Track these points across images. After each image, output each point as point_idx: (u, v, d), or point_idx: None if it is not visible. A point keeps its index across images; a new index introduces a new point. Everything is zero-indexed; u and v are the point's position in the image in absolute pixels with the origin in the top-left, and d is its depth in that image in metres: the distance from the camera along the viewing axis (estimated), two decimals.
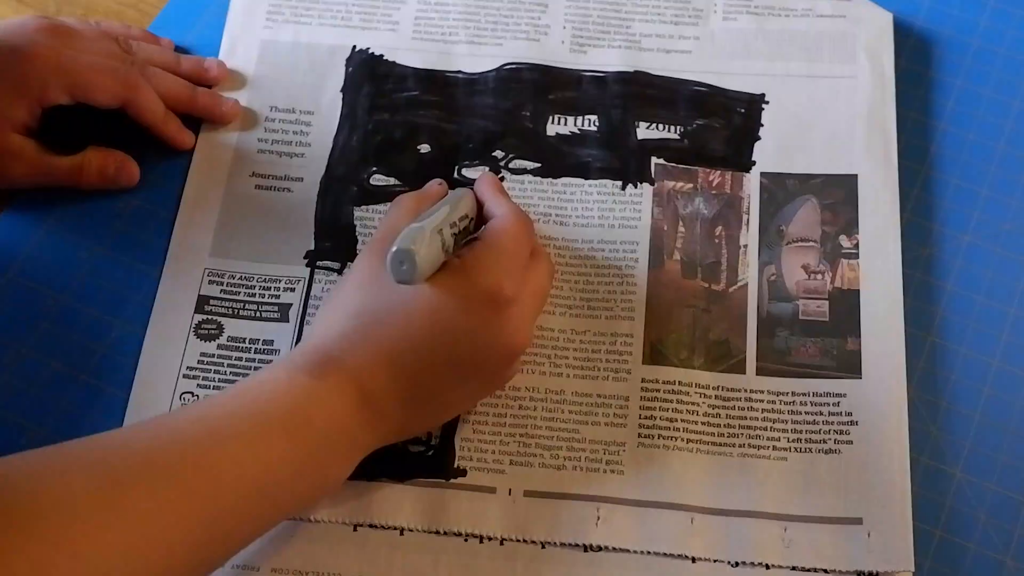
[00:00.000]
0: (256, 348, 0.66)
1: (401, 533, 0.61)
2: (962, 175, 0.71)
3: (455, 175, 0.71)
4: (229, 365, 0.65)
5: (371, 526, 0.61)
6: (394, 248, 0.56)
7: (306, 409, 0.56)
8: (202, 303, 0.67)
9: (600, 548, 0.61)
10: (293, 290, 0.67)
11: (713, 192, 0.70)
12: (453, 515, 0.61)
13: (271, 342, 0.66)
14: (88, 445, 0.53)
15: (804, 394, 0.64)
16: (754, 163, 0.71)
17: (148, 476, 0.52)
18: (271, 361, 0.65)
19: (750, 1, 0.77)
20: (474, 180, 0.70)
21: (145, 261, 0.68)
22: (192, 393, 0.64)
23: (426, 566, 0.60)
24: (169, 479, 0.52)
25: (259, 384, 0.57)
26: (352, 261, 0.67)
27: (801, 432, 0.63)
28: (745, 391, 0.64)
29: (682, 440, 0.63)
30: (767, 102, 0.73)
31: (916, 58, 0.75)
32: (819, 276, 0.68)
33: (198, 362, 0.65)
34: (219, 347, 0.66)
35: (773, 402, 0.64)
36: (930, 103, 0.73)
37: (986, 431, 0.64)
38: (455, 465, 0.63)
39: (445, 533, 0.61)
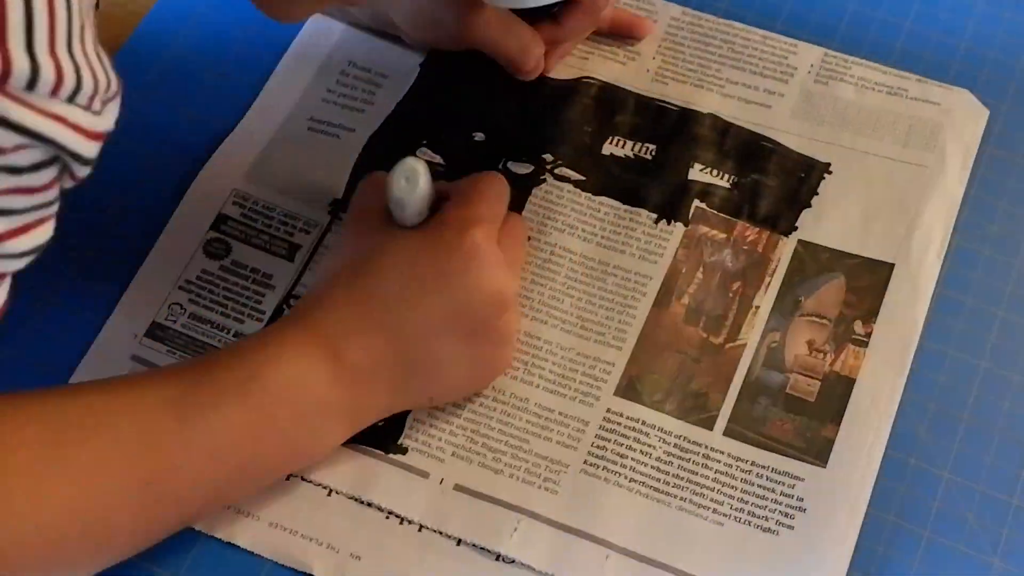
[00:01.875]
0: (255, 279, 0.67)
1: (329, 494, 0.62)
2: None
3: (500, 167, 0.71)
4: (224, 288, 0.67)
5: (302, 479, 0.62)
6: (399, 166, 0.58)
7: (263, 370, 0.56)
8: (219, 221, 0.69)
9: (511, 561, 0.60)
10: (308, 233, 0.69)
11: (744, 248, 0.69)
12: (382, 490, 0.62)
13: (270, 276, 0.67)
14: (45, 396, 0.54)
15: (764, 467, 0.62)
16: (796, 229, 0.69)
17: (93, 433, 0.53)
18: (263, 294, 0.67)
19: (847, 69, 0.74)
20: (518, 175, 0.70)
21: (184, 164, 0.71)
22: (181, 305, 0.66)
23: (342, 532, 0.61)
24: (114, 438, 0.53)
25: (233, 346, 0.59)
26: None
27: (747, 503, 0.61)
28: (706, 447, 0.63)
29: (625, 478, 0.62)
30: (830, 172, 0.71)
31: (992, 139, 0.72)
32: (821, 355, 0.65)
33: (197, 277, 0.67)
34: (221, 267, 0.68)
35: (730, 466, 0.62)
36: (994, 182, 0.70)
37: (974, 432, 0.63)
38: (399, 442, 0.63)
39: (369, 504, 0.61)
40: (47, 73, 0.42)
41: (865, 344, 0.65)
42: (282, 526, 0.61)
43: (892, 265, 0.67)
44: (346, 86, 0.74)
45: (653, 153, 0.72)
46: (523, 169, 0.71)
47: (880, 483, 0.61)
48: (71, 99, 0.44)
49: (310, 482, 0.62)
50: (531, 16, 0.70)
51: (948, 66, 0.74)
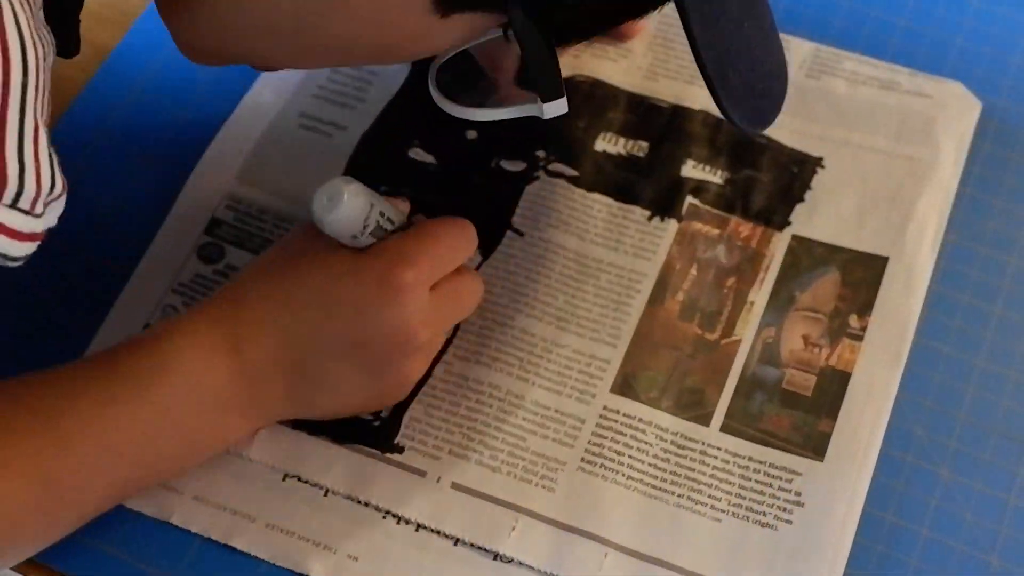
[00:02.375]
0: None
1: (326, 494, 0.62)
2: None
3: (493, 165, 0.71)
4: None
5: (299, 479, 0.62)
6: (327, 183, 0.57)
7: (165, 362, 0.57)
8: (213, 225, 0.69)
9: (510, 560, 0.60)
10: None
11: (738, 243, 0.69)
12: (378, 489, 0.61)
13: None
14: None
15: (761, 462, 0.62)
16: (789, 223, 0.69)
17: (2, 429, 0.53)
18: None
19: (839, 63, 0.74)
20: (511, 172, 0.70)
21: (176, 166, 0.70)
22: (175, 307, 0.66)
23: (339, 533, 0.60)
24: (14, 436, 0.53)
25: (142, 335, 0.58)
26: None
27: (744, 499, 0.61)
28: (703, 444, 0.63)
29: (623, 475, 0.62)
30: (823, 166, 0.71)
31: (994, 135, 0.72)
32: (816, 350, 0.65)
33: (191, 280, 0.67)
34: (214, 271, 0.67)
35: (727, 462, 0.62)
36: (993, 181, 0.70)
37: (971, 430, 0.63)
38: (395, 441, 0.63)
39: (366, 504, 0.61)
40: None
41: (860, 338, 0.65)
42: (279, 527, 0.60)
43: (886, 259, 0.67)
44: (338, 83, 0.74)
45: (645, 151, 0.72)
46: (516, 166, 0.71)
47: (878, 481, 0.62)
48: (13, 204, 0.42)
49: (306, 482, 0.62)
50: None
51: (942, 60, 0.74)
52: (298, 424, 0.63)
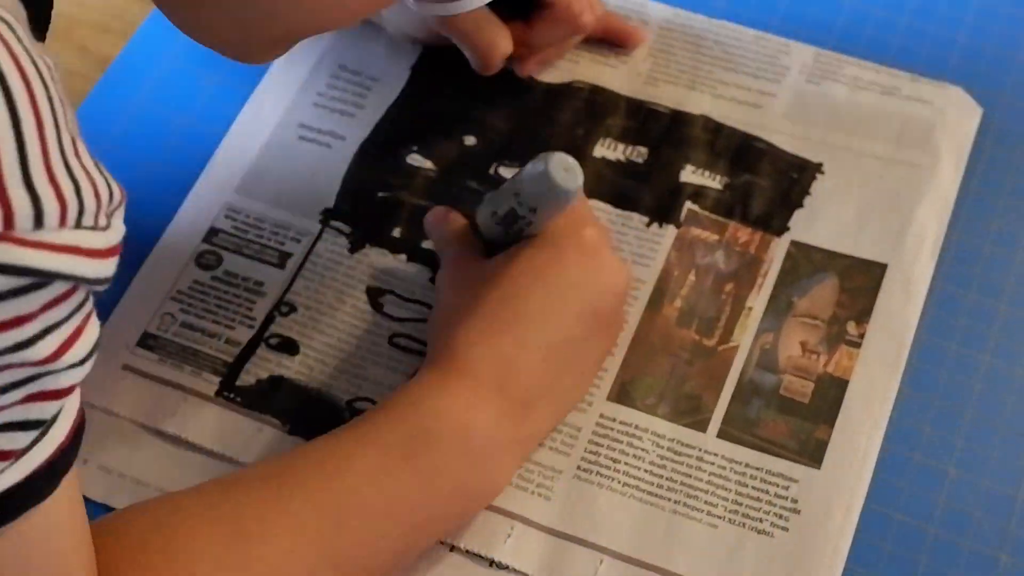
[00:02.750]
0: (246, 286, 0.67)
1: None
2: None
3: (491, 171, 0.71)
4: (216, 296, 0.67)
5: None
6: (550, 158, 0.57)
7: (427, 424, 0.56)
8: (211, 234, 0.69)
9: (505, 567, 0.60)
10: (299, 241, 0.69)
11: (737, 249, 0.68)
12: None
13: (261, 284, 0.67)
14: (212, 491, 0.54)
15: (758, 468, 0.62)
16: (788, 229, 0.69)
17: (273, 524, 0.52)
18: (254, 301, 0.66)
19: (840, 68, 0.74)
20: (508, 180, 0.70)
21: (178, 177, 0.71)
22: (172, 315, 0.66)
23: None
24: (294, 526, 0.52)
25: (386, 406, 0.58)
26: (365, 227, 0.69)
27: (741, 505, 0.61)
28: (699, 450, 0.62)
29: (619, 482, 0.62)
30: (822, 172, 0.71)
31: (993, 138, 0.72)
32: (814, 356, 0.65)
33: (189, 288, 0.67)
34: (212, 278, 0.68)
35: (724, 468, 0.62)
36: (996, 180, 0.70)
37: (978, 427, 0.63)
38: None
39: None
40: (50, 204, 0.37)
41: (858, 345, 0.65)
42: None
43: (885, 266, 0.67)
44: (336, 89, 0.74)
45: (644, 156, 0.72)
46: (513, 172, 0.71)
47: (885, 480, 0.61)
48: (78, 223, 0.39)
49: None
50: (501, 13, 0.69)
51: (943, 64, 0.74)
52: (294, 431, 0.63)
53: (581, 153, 0.71)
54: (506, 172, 0.71)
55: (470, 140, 0.72)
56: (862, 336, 0.65)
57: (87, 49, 0.75)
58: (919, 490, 0.61)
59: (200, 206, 0.70)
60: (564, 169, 0.57)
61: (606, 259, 0.61)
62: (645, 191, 0.70)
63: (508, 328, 0.59)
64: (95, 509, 0.61)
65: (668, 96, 0.74)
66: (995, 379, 0.64)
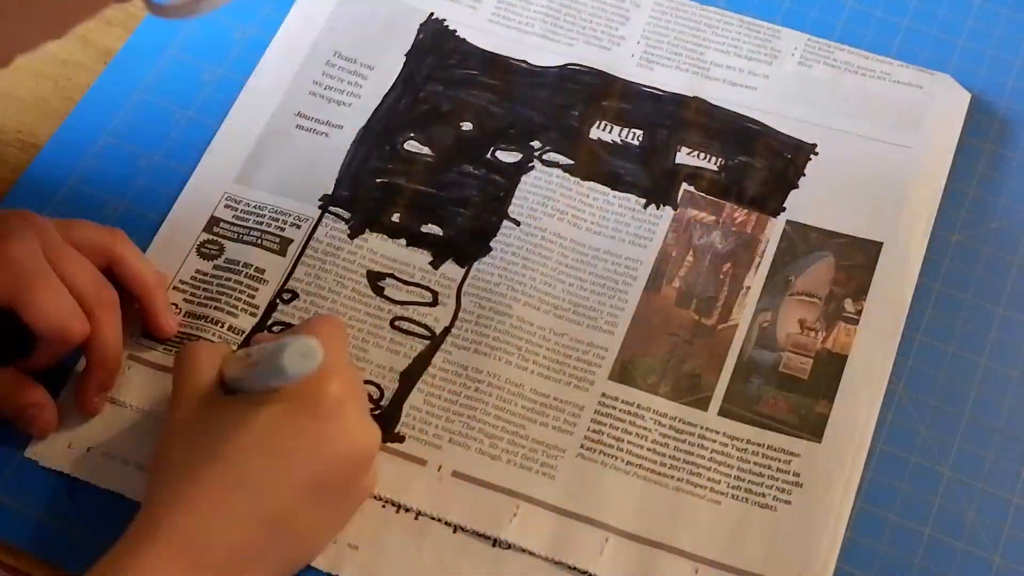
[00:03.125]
0: (247, 273, 0.67)
1: None
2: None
3: (489, 155, 0.72)
4: (218, 285, 0.67)
5: None
6: (294, 341, 0.53)
7: None
8: (212, 224, 0.69)
9: (509, 546, 0.60)
10: (299, 227, 0.69)
11: (733, 229, 0.69)
12: (379, 478, 0.62)
13: (263, 271, 0.67)
14: None
15: (759, 444, 0.62)
16: (784, 209, 0.70)
17: None
18: (257, 288, 0.67)
19: (831, 54, 0.75)
20: (506, 163, 0.71)
21: (176, 167, 0.71)
22: (176, 305, 0.66)
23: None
24: None
25: None
26: (364, 213, 0.69)
27: (743, 480, 0.62)
28: (701, 428, 0.63)
29: (622, 461, 0.62)
30: (816, 153, 0.71)
31: (995, 135, 0.72)
32: (812, 334, 0.66)
33: (191, 278, 0.67)
34: (215, 267, 0.68)
35: (726, 445, 0.63)
36: (996, 180, 0.71)
37: (974, 429, 0.63)
38: (396, 430, 0.63)
39: None
40: None
41: (856, 321, 0.66)
42: None
43: (880, 244, 0.68)
44: (332, 78, 0.74)
45: (640, 138, 0.72)
46: (511, 157, 0.71)
47: (880, 481, 0.62)
48: None
49: None
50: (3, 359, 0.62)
51: (932, 53, 0.75)
52: None
53: (577, 135, 0.72)
54: (503, 156, 0.72)
55: (466, 126, 0.73)
56: (859, 313, 0.66)
57: (89, 41, 0.75)
58: (914, 491, 0.62)
59: (199, 196, 0.70)
60: (301, 355, 0.53)
61: (347, 420, 0.55)
62: (641, 173, 0.71)
63: (220, 492, 0.54)
64: (101, 495, 0.61)
65: (662, 78, 0.74)
66: (992, 381, 0.65)
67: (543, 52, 0.75)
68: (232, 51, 0.75)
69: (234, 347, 0.64)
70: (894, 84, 0.73)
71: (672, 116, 0.73)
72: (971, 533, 0.61)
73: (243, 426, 0.55)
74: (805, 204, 0.70)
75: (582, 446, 0.63)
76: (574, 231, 0.69)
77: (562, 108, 0.73)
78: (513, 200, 0.70)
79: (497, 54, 0.75)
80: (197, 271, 0.68)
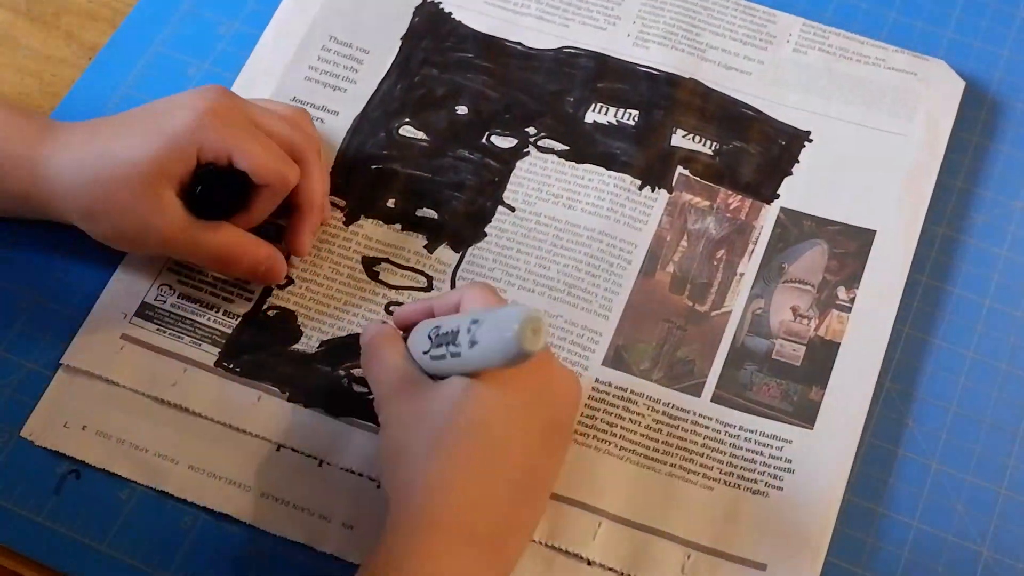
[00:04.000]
0: None
1: (320, 464, 0.62)
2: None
3: (484, 140, 0.72)
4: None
5: (293, 449, 0.63)
6: (521, 314, 0.52)
7: None
8: None
9: None
10: None
11: (727, 215, 0.69)
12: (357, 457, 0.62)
13: None
14: None
15: (752, 431, 0.63)
16: (778, 196, 0.70)
17: None
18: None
19: (826, 39, 0.75)
20: (501, 149, 0.71)
21: None
22: (170, 286, 0.66)
23: (335, 502, 0.61)
24: None
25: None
26: (360, 199, 0.69)
27: (736, 467, 0.62)
28: (694, 413, 0.64)
29: (616, 447, 0.63)
30: (811, 140, 0.72)
31: (982, 126, 0.72)
32: (805, 321, 0.66)
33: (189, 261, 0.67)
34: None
35: (718, 431, 0.63)
36: (982, 172, 0.71)
37: (962, 422, 0.64)
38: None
39: (360, 474, 0.62)
40: None
41: (848, 309, 0.66)
42: (274, 496, 0.61)
43: (874, 232, 0.68)
44: (328, 62, 0.74)
45: (636, 119, 0.72)
46: (507, 143, 0.71)
47: (869, 474, 0.62)
48: None
49: (300, 452, 0.62)
50: (224, 216, 0.64)
51: (922, 40, 0.75)
52: (293, 397, 0.63)
53: (573, 121, 0.72)
54: (498, 141, 0.72)
55: (461, 110, 0.73)
56: (852, 300, 0.66)
57: (74, 36, 0.74)
58: (902, 484, 0.62)
59: None
60: (532, 331, 0.52)
61: (556, 369, 0.59)
62: (637, 153, 0.71)
63: (472, 464, 0.55)
64: (91, 473, 0.62)
65: (658, 59, 0.74)
66: (979, 372, 0.65)
67: (539, 34, 0.75)
68: (218, 46, 0.74)
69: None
70: (888, 71, 0.74)
71: (668, 96, 0.73)
72: (959, 526, 0.62)
73: (473, 393, 0.56)
74: (799, 191, 0.70)
75: (576, 431, 0.63)
76: (569, 213, 0.69)
77: (558, 94, 0.73)
78: (508, 185, 0.70)
79: (493, 36, 0.75)
80: None
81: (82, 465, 0.62)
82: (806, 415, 0.63)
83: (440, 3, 0.76)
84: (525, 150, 0.71)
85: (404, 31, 0.75)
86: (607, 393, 0.64)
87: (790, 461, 0.62)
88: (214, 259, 0.64)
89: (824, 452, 0.62)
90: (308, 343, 0.65)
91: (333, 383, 0.64)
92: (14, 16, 0.75)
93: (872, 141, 0.71)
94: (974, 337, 0.66)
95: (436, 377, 0.58)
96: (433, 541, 0.54)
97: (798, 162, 0.71)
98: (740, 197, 0.70)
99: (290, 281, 0.67)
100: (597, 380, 0.64)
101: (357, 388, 0.64)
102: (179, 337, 0.65)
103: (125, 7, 0.76)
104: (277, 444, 0.63)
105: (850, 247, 0.68)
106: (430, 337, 0.58)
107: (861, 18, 0.76)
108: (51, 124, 0.63)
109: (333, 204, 0.69)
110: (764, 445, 0.63)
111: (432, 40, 0.75)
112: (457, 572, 0.54)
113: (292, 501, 0.61)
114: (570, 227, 0.69)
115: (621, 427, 0.63)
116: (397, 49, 0.75)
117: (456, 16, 0.76)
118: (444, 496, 0.55)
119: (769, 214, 0.69)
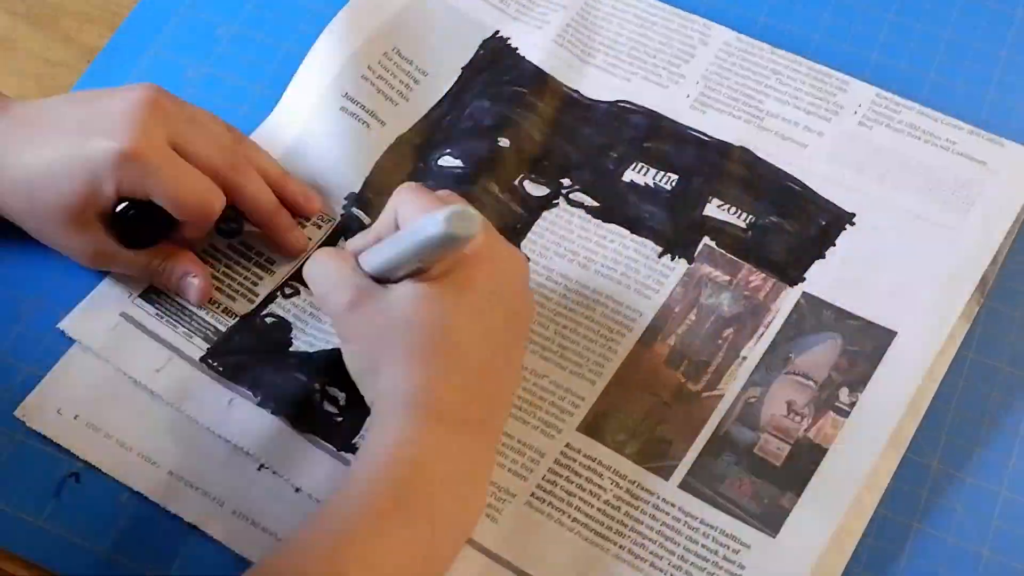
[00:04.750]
0: (257, 262, 0.68)
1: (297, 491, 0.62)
2: None
3: (516, 183, 0.70)
4: (226, 265, 0.68)
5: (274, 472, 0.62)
6: (453, 212, 0.53)
7: (422, 478, 0.56)
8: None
9: None
10: (319, 227, 0.69)
11: (745, 293, 0.66)
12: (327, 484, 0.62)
13: (272, 262, 0.68)
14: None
15: (712, 527, 0.60)
16: (803, 280, 0.66)
17: None
18: (262, 277, 0.68)
19: (897, 114, 0.70)
20: (532, 196, 0.69)
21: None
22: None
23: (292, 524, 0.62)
24: None
25: (369, 468, 0.57)
26: None
27: (687, 561, 0.59)
28: (658, 497, 0.61)
29: (569, 517, 0.61)
30: (853, 223, 0.67)
31: None
32: (798, 419, 0.62)
33: (203, 251, 0.68)
34: (229, 245, 0.68)
35: (678, 520, 0.60)
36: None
37: (962, 423, 0.63)
38: (353, 441, 0.63)
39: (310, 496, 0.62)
40: None
41: (846, 414, 0.62)
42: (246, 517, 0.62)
43: (895, 333, 0.64)
44: (387, 70, 0.73)
45: (673, 183, 0.70)
46: (539, 191, 0.70)
47: None
48: None
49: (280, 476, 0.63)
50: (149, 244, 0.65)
51: (1006, 116, 0.70)
52: (263, 402, 0.63)
53: (610, 177, 0.70)
54: (531, 187, 0.70)
55: (503, 142, 0.71)
56: (852, 405, 0.62)
57: (71, 39, 0.75)
58: (902, 485, 0.61)
59: None
60: (461, 220, 0.53)
61: (499, 249, 0.60)
62: (666, 220, 0.68)
63: (446, 364, 0.58)
64: (91, 476, 0.62)
65: (713, 124, 0.71)
66: (979, 374, 0.64)
67: (598, 84, 0.73)
68: (216, 48, 0.75)
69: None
70: (956, 156, 0.68)
71: (712, 164, 0.70)
72: (959, 527, 0.60)
73: (434, 291, 0.58)
74: (827, 277, 0.66)
75: (533, 494, 0.61)
76: (581, 272, 0.67)
77: (602, 149, 0.71)
78: (529, 235, 0.69)
79: (551, 75, 0.73)
80: (211, 245, 0.68)
81: (75, 459, 0.62)
82: (772, 521, 0.60)
83: (508, 39, 0.75)
84: (555, 201, 0.70)
85: (467, 62, 0.75)
86: (574, 460, 0.62)
87: (743, 568, 0.59)
88: (140, 275, 0.66)
89: (782, 565, 0.58)
90: (294, 351, 0.65)
91: (305, 395, 0.63)
92: (13, 18, 0.77)
93: (918, 232, 0.67)
94: (973, 339, 0.64)
95: (386, 282, 0.59)
96: (430, 431, 0.57)
97: (834, 245, 0.67)
98: (763, 276, 0.66)
99: (296, 292, 0.68)
100: (568, 445, 0.62)
101: (327, 407, 0.64)
102: (174, 326, 0.66)
103: (123, 9, 0.77)
104: (232, 444, 0.62)
105: (865, 346, 0.64)
106: (384, 269, 0.59)
107: (956, 96, 0.71)
108: None
109: (358, 220, 0.69)
110: (721, 544, 0.59)
111: (491, 73, 0.74)
112: (458, 452, 0.57)
113: (262, 524, 0.61)
114: (579, 288, 0.67)
115: (580, 498, 0.61)
116: (455, 78, 0.74)
117: (521, 51, 0.75)
118: (428, 395, 0.57)
119: (789, 297, 0.66)
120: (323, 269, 0.61)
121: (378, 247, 0.59)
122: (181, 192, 0.63)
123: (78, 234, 0.63)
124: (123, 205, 0.63)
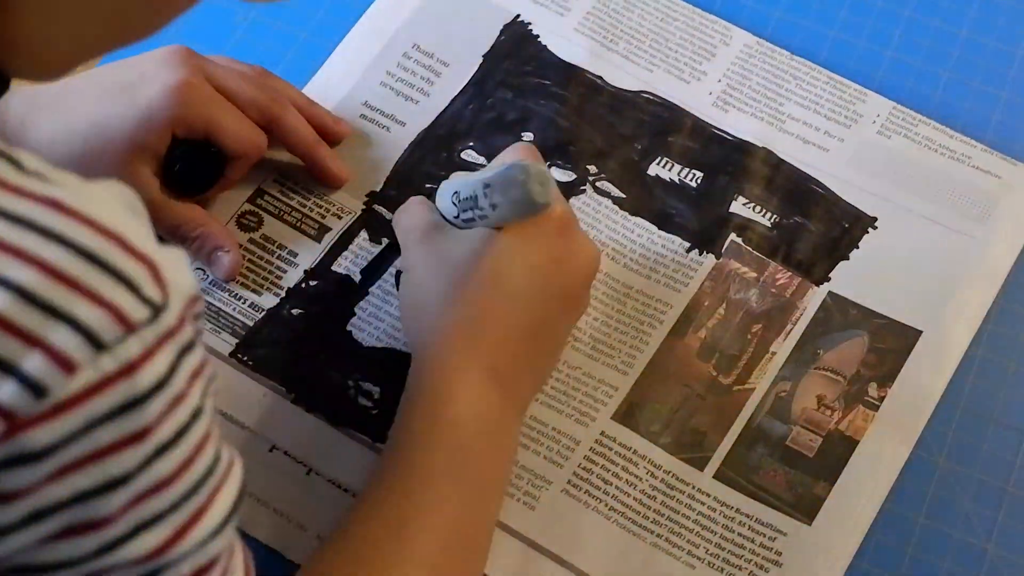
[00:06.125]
0: (279, 255, 0.68)
1: (308, 473, 0.62)
2: None
3: None
4: (249, 260, 0.67)
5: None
6: (521, 168, 0.56)
7: (459, 435, 0.57)
8: (257, 195, 0.70)
9: None
10: (340, 218, 0.69)
11: (773, 290, 0.67)
12: (361, 478, 0.62)
13: (295, 255, 0.68)
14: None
15: (748, 516, 0.61)
16: (828, 279, 0.67)
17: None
18: (285, 270, 0.67)
19: (914, 127, 0.72)
20: (559, 182, 0.69)
21: None
22: (203, 271, 0.67)
23: (325, 518, 0.61)
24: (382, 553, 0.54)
25: (419, 413, 0.58)
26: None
27: (724, 549, 0.60)
28: (693, 487, 0.62)
29: (605, 505, 0.61)
30: (875, 227, 0.69)
31: None
32: (829, 412, 0.63)
33: None
34: (250, 240, 0.68)
35: (714, 509, 0.61)
36: None
37: (969, 420, 0.63)
38: (390, 432, 0.63)
39: (346, 490, 0.61)
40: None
41: (876, 407, 0.63)
42: (257, 497, 0.61)
43: (920, 332, 0.65)
44: (407, 70, 0.74)
45: (699, 180, 0.71)
46: (565, 176, 0.70)
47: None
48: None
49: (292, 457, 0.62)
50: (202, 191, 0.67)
51: (1015, 137, 0.72)
52: (297, 400, 0.63)
53: (636, 169, 0.71)
54: (557, 173, 0.71)
55: (527, 136, 0.72)
56: (882, 399, 0.64)
57: None
58: (909, 481, 0.61)
59: (255, 166, 0.70)
60: (540, 184, 0.56)
61: (578, 238, 0.61)
62: (692, 216, 0.69)
63: (492, 311, 0.59)
64: None
65: (735, 123, 0.72)
66: (987, 371, 0.64)
67: (622, 72, 0.74)
68: (230, 39, 0.75)
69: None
70: (972, 169, 0.70)
71: (736, 163, 0.71)
72: (965, 522, 0.61)
73: (496, 247, 0.59)
74: (852, 277, 0.67)
75: (569, 482, 0.62)
76: (612, 265, 0.68)
77: (627, 139, 0.72)
78: None
79: (574, 65, 0.74)
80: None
81: None
82: (807, 509, 0.61)
83: (530, 24, 0.76)
84: (582, 187, 0.70)
85: (488, 49, 0.75)
86: (609, 448, 0.63)
87: (780, 554, 0.60)
88: (169, 232, 0.65)
89: (817, 551, 0.60)
90: (325, 349, 0.65)
91: (340, 392, 0.64)
92: None
93: (938, 238, 0.68)
94: (984, 336, 0.65)
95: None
96: (458, 380, 0.57)
97: (857, 248, 0.68)
98: (790, 274, 0.68)
99: (318, 284, 0.67)
100: (603, 433, 0.63)
101: (362, 401, 0.64)
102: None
103: None
104: (271, 444, 0.63)
105: (892, 344, 0.65)
106: (454, 203, 0.61)
107: (963, 116, 0.73)
108: None
109: (380, 216, 0.69)
110: (757, 532, 0.60)
111: (513, 62, 0.74)
112: (482, 408, 0.57)
113: (273, 505, 0.61)
114: (609, 280, 0.67)
115: (616, 486, 0.62)
116: (477, 66, 0.74)
117: (543, 40, 0.75)
118: (465, 341, 0.58)
119: (816, 296, 0.67)
120: (410, 208, 0.64)
121: (471, 220, 0.60)
122: (237, 127, 0.64)
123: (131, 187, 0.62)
124: (180, 147, 0.63)
